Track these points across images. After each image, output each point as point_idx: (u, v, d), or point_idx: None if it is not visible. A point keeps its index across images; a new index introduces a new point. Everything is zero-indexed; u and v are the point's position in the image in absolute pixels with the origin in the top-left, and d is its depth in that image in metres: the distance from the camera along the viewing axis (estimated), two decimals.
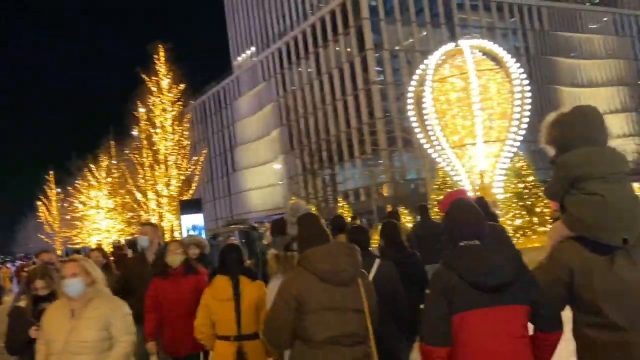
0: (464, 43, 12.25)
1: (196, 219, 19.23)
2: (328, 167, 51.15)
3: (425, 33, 51.76)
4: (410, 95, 13.44)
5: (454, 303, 2.19)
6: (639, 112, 63.31)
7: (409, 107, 13.58)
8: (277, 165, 58.47)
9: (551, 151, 2.44)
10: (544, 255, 2.42)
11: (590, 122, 2.42)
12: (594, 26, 64.24)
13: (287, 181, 59.22)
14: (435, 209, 10.13)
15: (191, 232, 18.14)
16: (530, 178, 12.25)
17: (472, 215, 2.35)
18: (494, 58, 12.60)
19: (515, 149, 12.48)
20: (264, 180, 66.15)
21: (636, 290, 2.11)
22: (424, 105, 13.26)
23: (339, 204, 16.98)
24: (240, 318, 3.40)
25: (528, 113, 12.25)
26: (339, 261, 2.60)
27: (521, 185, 12.03)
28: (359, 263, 2.66)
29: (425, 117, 13.25)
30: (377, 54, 50.82)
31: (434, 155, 13.11)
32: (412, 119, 13.34)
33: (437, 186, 13.45)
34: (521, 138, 12.46)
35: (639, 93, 64.18)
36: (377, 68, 50.49)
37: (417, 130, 13.35)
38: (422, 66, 13.11)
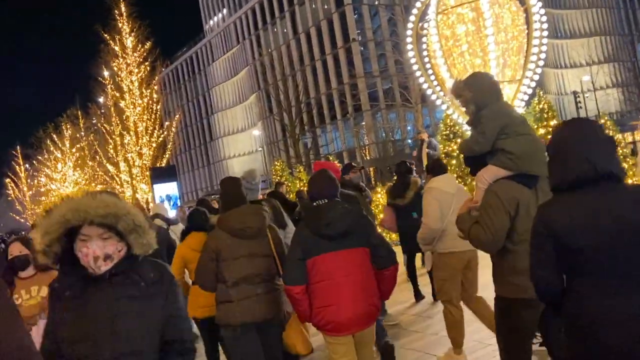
0: None
1: (170, 188, 17.39)
2: (309, 131, 49.25)
3: None
4: (408, 33, 11.60)
5: (307, 250, 2.89)
6: (622, 62, 62.37)
7: (407, 47, 11.76)
8: (256, 131, 56.30)
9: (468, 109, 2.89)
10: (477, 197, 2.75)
11: (494, 82, 2.98)
12: None
13: (267, 147, 57.22)
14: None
15: (165, 204, 16.34)
16: (553, 122, 10.69)
17: (324, 181, 3.05)
18: None
19: (531, 90, 10.86)
20: (244, 148, 64.06)
21: None
22: (424, 44, 11.45)
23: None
24: None
25: (545, 48, 10.59)
26: (246, 220, 3.34)
27: (542, 131, 10.48)
28: (264, 220, 3.39)
29: (426, 58, 11.47)
30: (356, 10, 48.35)
31: (438, 102, 11.41)
32: (411, 60, 11.55)
33: (445, 136, 11.80)
34: (538, 77, 10.82)
35: (622, 43, 63.15)
36: (357, 25, 48.14)
37: (417, 74, 11.58)
38: None
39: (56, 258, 1.86)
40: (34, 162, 44.36)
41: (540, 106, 11.09)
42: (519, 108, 10.86)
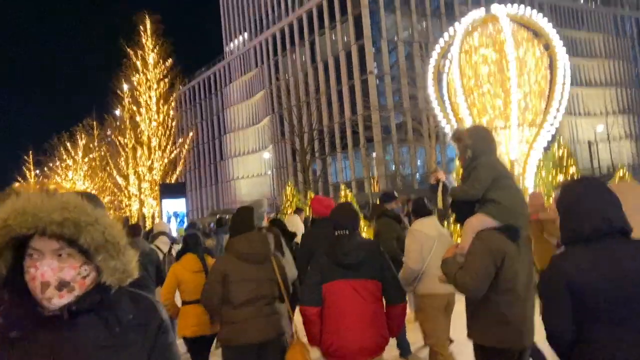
0: (499, 9, 10.49)
1: (178, 205, 17.30)
2: (320, 158, 49.35)
3: (425, 24, 50.05)
4: (429, 70, 11.63)
5: (324, 275, 3.04)
6: (637, 114, 62.42)
7: (427, 83, 11.78)
8: (267, 154, 56.48)
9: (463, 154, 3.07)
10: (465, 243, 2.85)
11: (493, 137, 3.18)
12: (594, 25, 63.18)
13: (276, 171, 57.29)
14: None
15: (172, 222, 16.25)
16: (572, 169, 10.56)
17: (347, 214, 3.22)
18: (529, 30, 10.89)
19: (551, 135, 10.79)
20: (253, 170, 64.20)
21: (528, 270, 2.85)
22: (445, 81, 11.47)
23: (341, 193, 15.19)
24: None
25: (568, 94, 10.57)
26: (254, 246, 3.57)
27: (561, 177, 10.35)
28: (270, 247, 3.66)
29: (445, 95, 11.48)
30: (375, 44, 49.02)
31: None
32: (430, 96, 11.55)
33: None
34: (558, 123, 10.77)
35: (637, 96, 63.33)
36: (375, 58, 48.72)
37: (436, 110, 11.56)
38: (445, 36, 11.32)
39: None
40: (45, 168, 44.64)
41: (560, 153, 10.97)
42: (538, 152, 10.79)
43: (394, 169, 42.78)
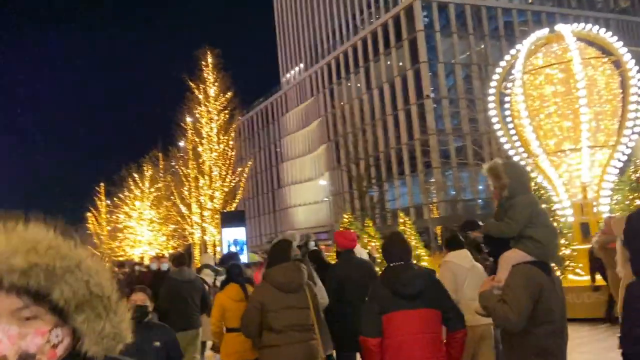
0: (564, 27, 10.07)
1: (238, 233, 17.58)
2: (376, 185, 48.99)
3: (483, 45, 49.18)
4: (491, 92, 11.30)
5: (383, 306, 3.09)
6: None
7: (489, 106, 11.43)
8: (323, 182, 56.77)
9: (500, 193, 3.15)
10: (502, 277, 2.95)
11: (528, 173, 3.58)
12: None
13: (333, 198, 57.38)
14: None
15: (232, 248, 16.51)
16: None
17: (400, 245, 3.34)
18: (597, 47, 10.38)
19: (626, 157, 10.11)
20: (310, 197, 64.62)
21: (562, 302, 2.98)
22: (508, 104, 11.10)
23: (400, 220, 14.89)
24: None
25: None
26: (290, 275, 3.80)
27: (638, 202, 9.62)
28: (304, 277, 3.89)
29: (508, 118, 11.09)
30: (432, 68, 48.64)
31: (521, 164, 10.86)
32: (493, 119, 11.18)
33: None
34: (634, 144, 10.08)
35: None
36: (431, 82, 48.28)
37: (499, 133, 11.16)
38: (507, 57, 11.00)
39: None
40: (115, 199, 47.02)
41: (637, 175, 10.24)
42: (612, 175, 10.12)
43: (454, 194, 41.64)
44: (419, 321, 3.07)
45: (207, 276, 7.34)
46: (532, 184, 12.07)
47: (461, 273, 4.38)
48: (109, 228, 50.95)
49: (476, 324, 4.15)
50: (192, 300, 5.87)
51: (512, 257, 2.96)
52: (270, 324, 3.70)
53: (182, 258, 6.38)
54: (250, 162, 32.03)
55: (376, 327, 3.09)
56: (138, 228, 38.56)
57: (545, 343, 2.81)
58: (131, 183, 40.04)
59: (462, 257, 4.52)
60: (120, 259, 46.65)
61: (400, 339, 3.06)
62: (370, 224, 15.16)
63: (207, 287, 6.82)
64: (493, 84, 11.25)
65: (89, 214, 60.28)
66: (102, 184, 54.34)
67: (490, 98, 11.30)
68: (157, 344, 3.34)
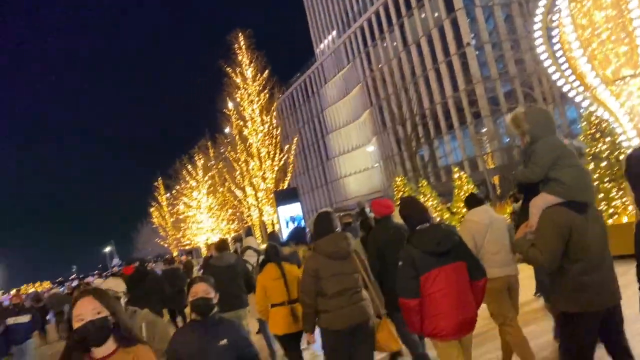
0: None
1: (294, 209, 17.78)
2: (426, 143, 47.99)
3: None
4: (536, 27, 10.59)
5: (420, 267, 3.33)
6: None
7: (536, 42, 10.74)
8: (371, 148, 56.27)
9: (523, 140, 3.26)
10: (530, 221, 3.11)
11: (550, 117, 3.31)
12: None
13: (383, 162, 56.81)
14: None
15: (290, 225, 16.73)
16: None
17: (421, 209, 3.65)
18: None
19: None
20: (360, 165, 64.38)
21: (599, 238, 3.03)
22: (554, 37, 10.37)
23: (455, 175, 14.48)
24: (288, 289, 5.01)
25: None
26: (338, 244, 4.10)
27: None
28: (351, 245, 4.15)
29: (559, 52, 10.37)
30: (469, 14, 46.46)
31: (577, 99, 10.22)
32: (542, 56, 10.51)
33: (590, 136, 10.52)
34: None
35: None
36: (470, 29, 46.17)
37: (551, 70, 10.50)
38: None
39: None
40: (173, 191, 48.74)
41: None
42: None
43: (508, 140, 40.18)
44: (453, 274, 3.35)
45: (251, 257, 7.88)
46: (593, 117, 11.37)
47: (479, 231, 4.59)
48: (172, 220, 53.03)
49: (499, 276, 4.48)
50: (234, 282, 6.25)
51: (541, 201, 3.05)
52: (323, 290, 4.01)
53: (224, 244, 6.81)
54: (295, 139, 32.11)
55: (414, 289, 3.33)
56: (199, 216, 39.90)
57: (581, 279, 2.93)
58: (186, 174, 41.29)
59: (480, 215, 4.69)
60: (187, 247, 48.62)
61: (440, 293, 3.31)
62: (425, 183, 14.86)
63: (250, 267, 7.31)
64: (538, 18, 10.53)
65: (151, 209, 62.90)
66: (159, 179, 56.54)
67: (537, 34, 10.59)
68: (225, 342, 2.98)
